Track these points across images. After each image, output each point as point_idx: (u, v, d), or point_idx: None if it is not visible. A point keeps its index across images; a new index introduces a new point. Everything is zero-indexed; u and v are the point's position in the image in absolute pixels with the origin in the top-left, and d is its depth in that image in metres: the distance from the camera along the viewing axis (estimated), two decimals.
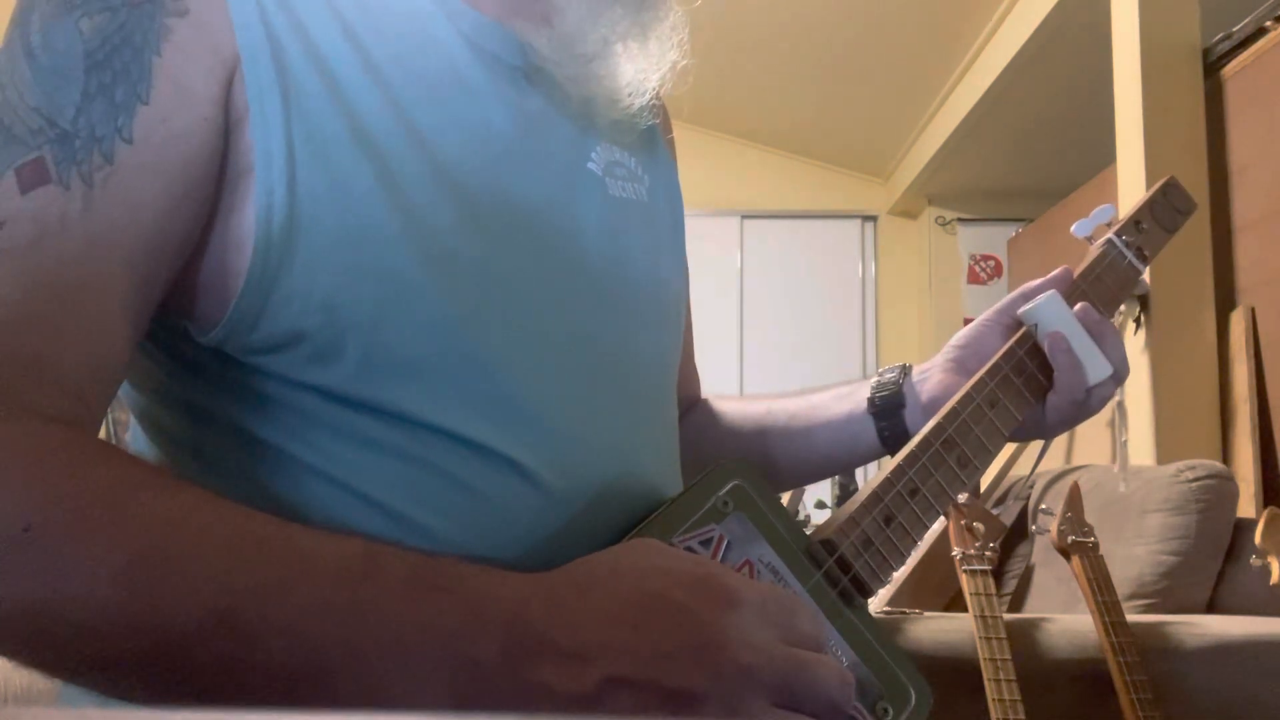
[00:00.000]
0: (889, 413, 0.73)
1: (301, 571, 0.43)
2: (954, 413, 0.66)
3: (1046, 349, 0.70)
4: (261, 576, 0.42)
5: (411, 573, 0.44)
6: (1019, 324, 0.73)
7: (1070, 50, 3.12)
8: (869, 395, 0.74)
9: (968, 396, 0.67)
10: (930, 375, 0.74)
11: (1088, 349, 0.70)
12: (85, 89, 0.47)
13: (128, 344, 0.49)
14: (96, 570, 0.40)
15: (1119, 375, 0.70)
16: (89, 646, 0.40)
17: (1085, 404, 0.71)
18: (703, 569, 0.47)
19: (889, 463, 0.64)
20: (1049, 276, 0.75)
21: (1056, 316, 0.70)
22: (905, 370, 0.75)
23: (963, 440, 0.65)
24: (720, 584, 0.45)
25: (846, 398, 0.76)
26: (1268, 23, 2.23)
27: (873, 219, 4.92)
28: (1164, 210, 0.80)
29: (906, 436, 0.69)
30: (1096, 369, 0.70)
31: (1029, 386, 0.70)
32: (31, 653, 0.42)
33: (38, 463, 0.42)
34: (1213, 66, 2.42)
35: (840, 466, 0.77)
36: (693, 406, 0.83)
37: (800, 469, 0.78)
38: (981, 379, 0.68)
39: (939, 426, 0.65)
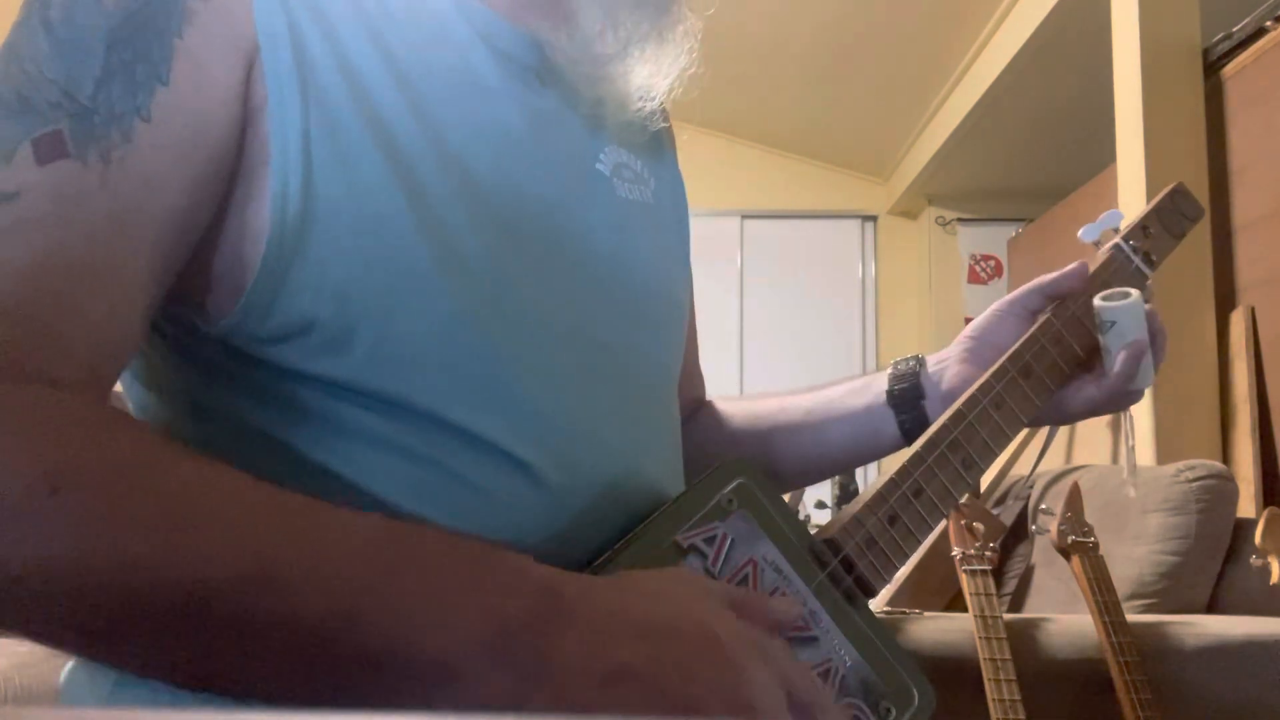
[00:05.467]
0: (908, 405, 0.74)
1: (339, 532, 0.43)
2: (959, 415, 0.66)
3: (1122, 352, 0.70)
4: (298, 535, 0.42)
5: (450, 540, 0.45)
6: (1033, 315, 0.74)
7: (1070, 50, 3.12)
8: (887, 388, 0.75)
9: (973, 399, 0.67)
10: (948, 366, 0.75)
11: (1149, 356, 0.71)
12: (106, 65, 0.47)
13: (139, 322, 0.48)
14: (128, 529, 0.40)
15: (1152, 381, 0.72)
16: (119, 608, 0.40)
17: (1120, 403, 0.73)
18: (747, 626, 0.48)
19: (890, 464, 0.64)
20: (1065, 271, 0.75)
21: (1139, 323, 0.70)
22: (920, 361, 0.76)
23: (968, 443, 0.65)
24: (760, 637, 0.47)
25: (862, 391, 0.77)
26: (1268, 23, 2.23)
27: (873, 219, 4.92)
28: (1171, 216, 0.80)
29: (927, 427, 0.70)
30: (1146, 375, 0.71)
31: (1040, 383, 0.70)
32: (60, 618, 0.41)
33: (61, 426, 0.42)
34: (1213, 66, 2.42)
35: (861, 459, 0.78)
36: (698, 409, 0.83)
37: (818, 464, 0.79)
38: (988, 381, 0.68)
39: (945, 428, 0.65)
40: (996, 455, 0.66)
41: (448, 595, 0.42)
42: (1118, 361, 0.70)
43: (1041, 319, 0.73)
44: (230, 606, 0.40)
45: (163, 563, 0.40)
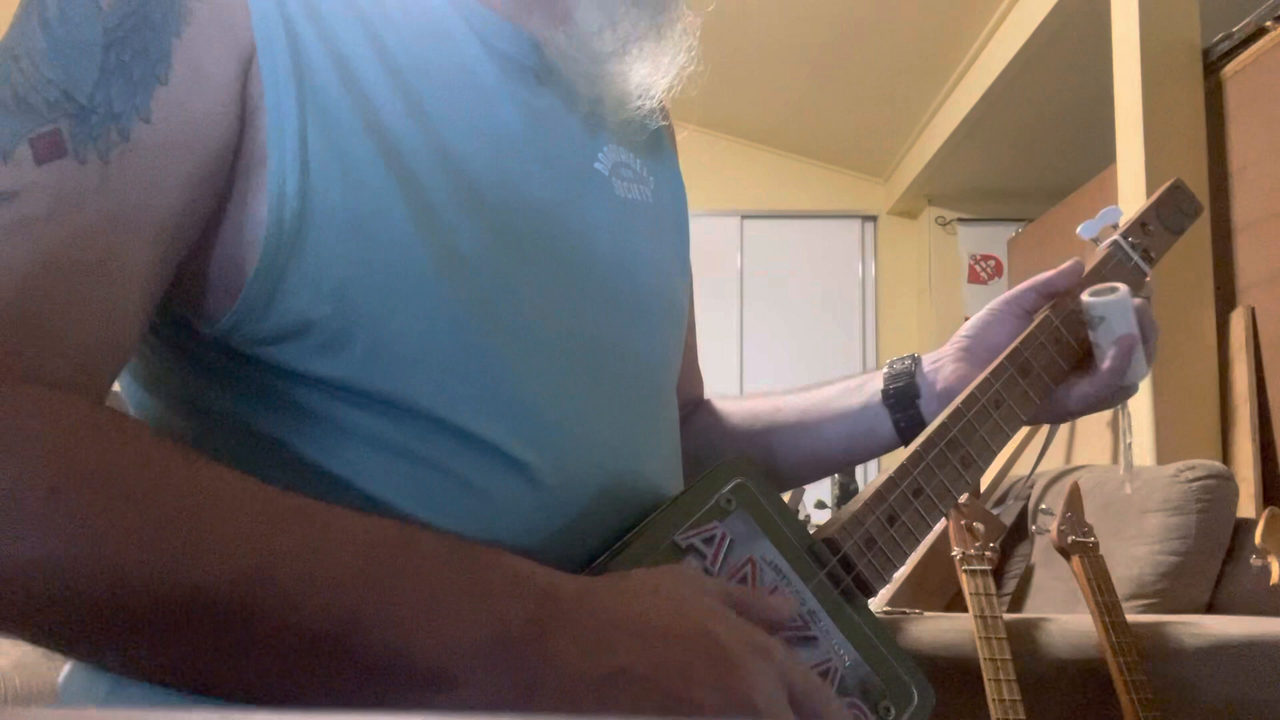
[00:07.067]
0: (904, 404, 0.74)
1: (339, 537, 0.43)
2: (959, 413, 0.66)
3: (1111, 348, 0.70)
4: (298, 539, 0.42)
5: (450, 545, 0.45)
6: (1029, 314, 0.74)
7: (1070, 50, 3.12)
8: (882, 388, 0.75)
9: (972, 397, 0.67)
10: (943, 365, 0.75)
11: (1139, 351, 0.71)
12: (104, 65, 0.47)
13: (138, 322, 0.48)
14: (127, 530, 0.40)
15: (1146, 375, 0.72)
16: (118, 609, 0.40)
17: (1114, 398, 0.73)
18: (746, 625, 0.48)
19: (891, 463, 0.64)
20: (1061, 269, 0.75)
21: (1127, 318, 0.71)
22: (916, 361, 0.76)
23: (967, 440, 0.65)
24: (758, 636, 0.47)
25: (858, 391, 0.77)
26: (1268, 23, 2.23)
27: (873, 219, 4.92)
28: (1170, 212, 0.80)
29: (923, 426, 0.70)
30: (1139, 370, 0.71)
31: (1039, 381, 0.70)
32: (57, 619, 0.41)
33: (61, 427, 0.42)
34: (1213, 66, 2.42)
35: (857, 459, 0.78)
36: (696, 408, 0.83)
37: (814, 463, 0.79)
38: (987, 379, 0.68)
39: (943, 426, 0.65)
40: (995, 454, 0.66)
41: (446, 602, 0.42)
42: (1108, 357, 0.71)
43: (1039, 316, 0.73)
44: (225, 614, 0.40)
45: (158, 568, 0.40)
